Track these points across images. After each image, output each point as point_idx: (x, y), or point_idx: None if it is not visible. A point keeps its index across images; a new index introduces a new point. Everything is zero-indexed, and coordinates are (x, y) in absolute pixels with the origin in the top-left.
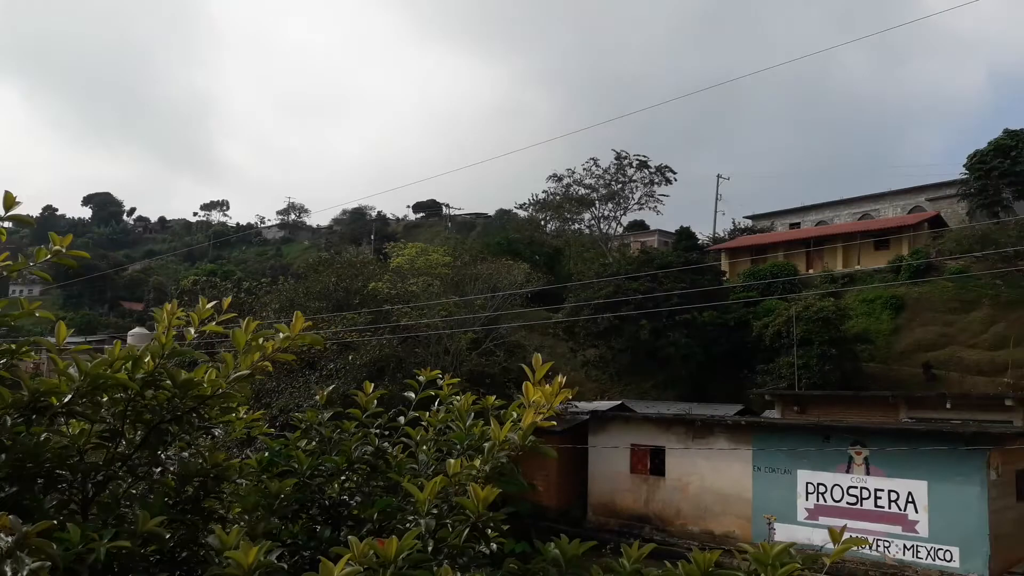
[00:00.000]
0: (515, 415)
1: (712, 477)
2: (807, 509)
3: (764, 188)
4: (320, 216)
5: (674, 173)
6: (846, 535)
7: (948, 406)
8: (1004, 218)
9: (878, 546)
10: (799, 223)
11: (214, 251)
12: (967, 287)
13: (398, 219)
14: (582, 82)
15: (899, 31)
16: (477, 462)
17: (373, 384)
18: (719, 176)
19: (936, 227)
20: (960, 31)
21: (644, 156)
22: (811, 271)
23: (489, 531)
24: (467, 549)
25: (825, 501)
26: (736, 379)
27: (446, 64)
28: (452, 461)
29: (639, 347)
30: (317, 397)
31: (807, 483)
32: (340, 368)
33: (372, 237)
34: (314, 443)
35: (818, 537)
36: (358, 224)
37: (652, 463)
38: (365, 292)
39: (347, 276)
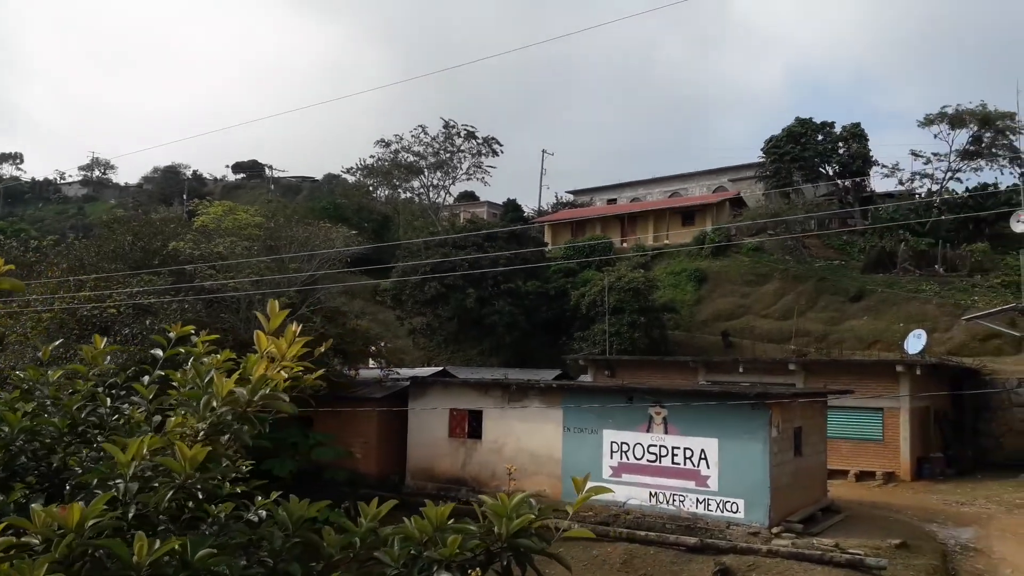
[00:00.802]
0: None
1: (526, 439)
2: (611, 467)
3: (587, 164)
4: (129, 174)
5: (500, 145)
6: (647, 491)
7: (741, 370)
8: (794, 199)
9: (674, 500)
10: (616, 199)
11: (5, 208)
12: (761, 262)
13: (216, 179)
14: (417, 52)
15: (710, 24)
16: (193, 420)
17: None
18: (544, 151)
19: (737, 206)
20: (761, 28)
21: (472, 126)
22: (625, 244)
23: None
24: (174, 514)
25: (628, 459)
26: (556, 346)
27: (277, 23)
28: (171, 420)
29: (465, 315)
30: (40, 354)
31: (612, 442)
32: (136, 333)
33: (185, 197)
34: (33, 404)
35: (621, 494)
36: (171, 183)
37: (470, 427)
38: (165, 253)
39: (145, 235)
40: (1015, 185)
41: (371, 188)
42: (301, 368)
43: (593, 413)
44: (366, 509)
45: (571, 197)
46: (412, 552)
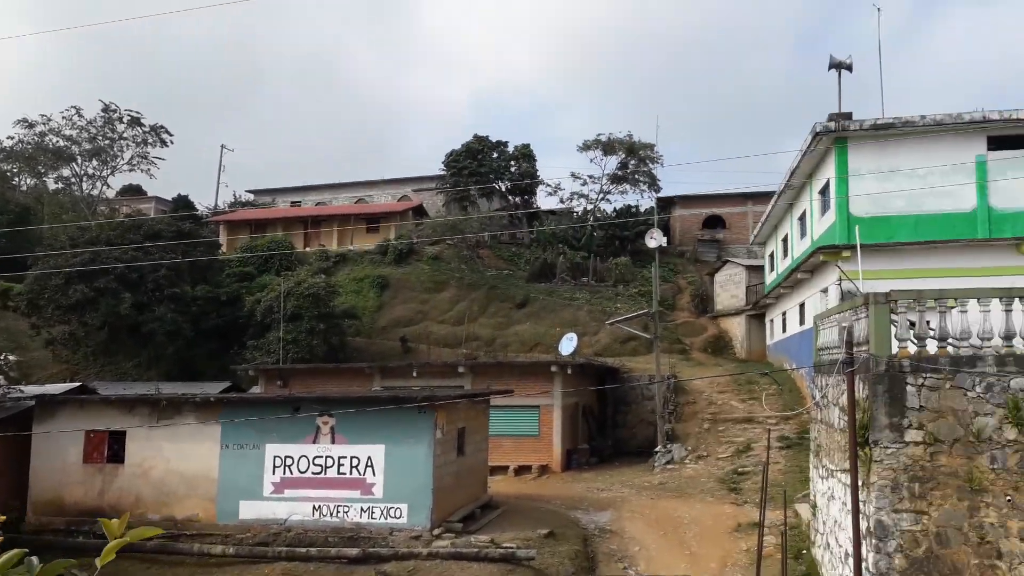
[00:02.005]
0: None
1: (178, 459)
2: (273, 483)
3: (274, 165)
4: None
5: (170, 135)
6: (310, 505)
7: (415, 374)
8: (471, 212)
9: (339, 512)
10: (300, 202)
11: None
12: (440, 270)
13: None
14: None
15: (400, 40)
16: None
17: None
18: (223, 146)
19: (419, 215)
20: (449, 51)
21: (137, 112)
22: (308, 248)
23: None
24: None
25: (291, 473)
26: (227, 356)
27: None
28: None
29: (119, 322)
30: None
31: (275, 457)
32: None
33: None
34: None
35: (283, 510)
36: None
37: (110, 449)
38: None
39: None
40: (652, 208)
41: (10, 174)
42: None
43: (255, 427)
44: None
45: (251, 197)
46: None
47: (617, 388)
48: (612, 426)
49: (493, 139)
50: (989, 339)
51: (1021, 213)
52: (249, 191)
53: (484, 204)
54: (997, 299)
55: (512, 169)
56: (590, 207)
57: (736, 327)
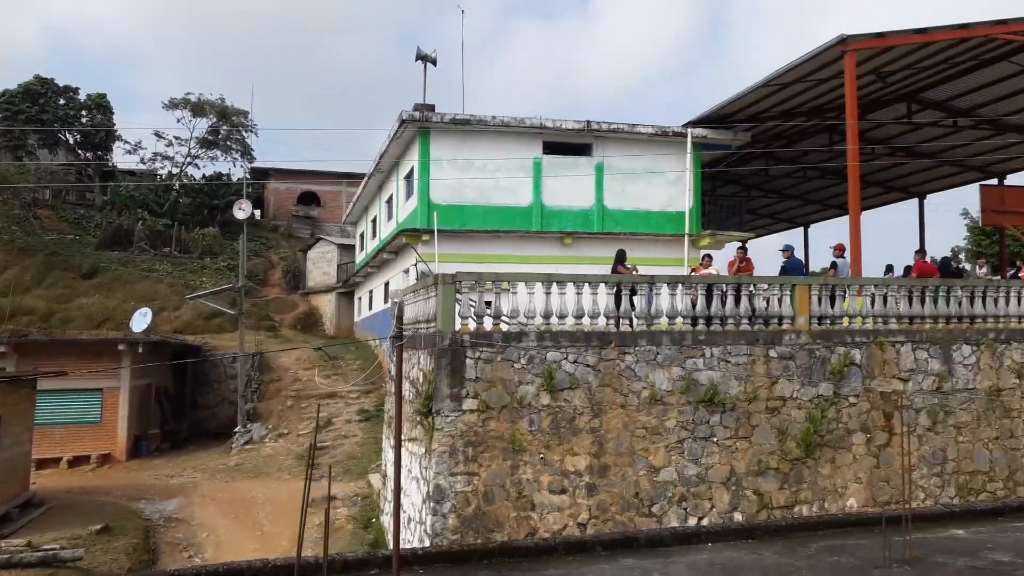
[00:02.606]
0: None
1: None
2: None
3: None
4: None
5: None
6: None
7: None
8: (28, 162)
9: None
10: None
11: None
12: None
13: None
14: None
15: None
16: None
17: None
18: None
19: None
20: None
21: None
22: None
23: None
24: None
25: None
26: None
27: None
28: None
29: None
30: None
31: None
32: None
33: None
34: None
35: None
36: None
37: None
38: None
39: None
40: (244, 178)
41: None
42: None
43: None
44: None
45: None
46: None
47: (199, 367)
48: (192, 407)
49: (61, 83)
50: (533, 318)
51: (565, 211)
52: None
53: (46, 156)
54: (540, 283)
55: (84, 120)
56: (176, 171)
57: (327, 304)
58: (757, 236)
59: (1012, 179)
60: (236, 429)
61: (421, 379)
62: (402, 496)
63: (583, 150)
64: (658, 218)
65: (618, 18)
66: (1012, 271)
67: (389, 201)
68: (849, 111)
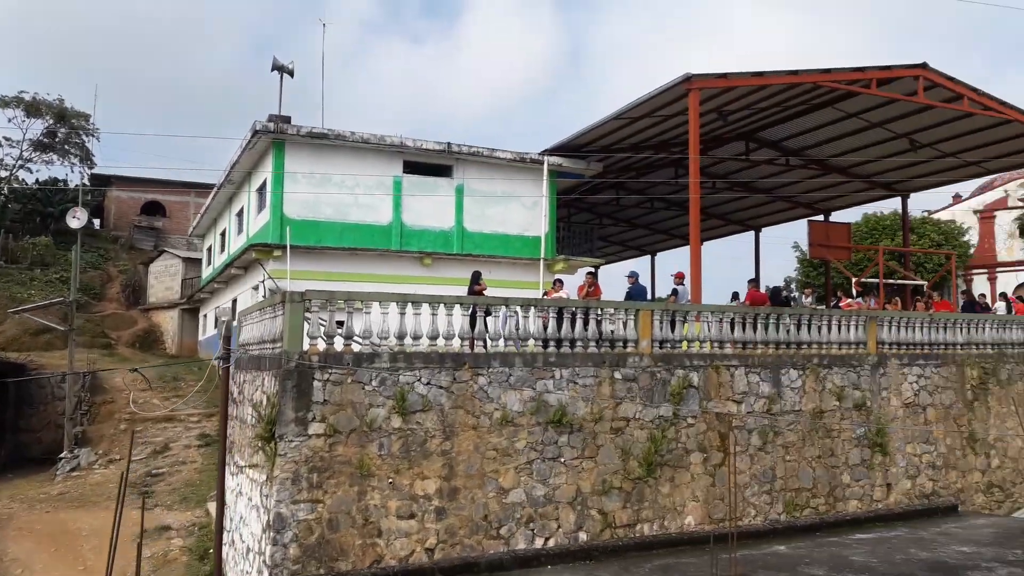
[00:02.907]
0: None
1: None
2: None
3: None
4: None
5: None
6: None
7: None
8: None
9: None
10: None
11: None
12: None
13: None
14: None
15: None
16: None
17: None
18: None
19: None
20: None
21: None
22: None
23: None
24: None
25: None
26: None
27: None
28: None
29: None
30: None
31: None
32: None
33: None
34: None
35: None
36: None
37: None
38: None
39: None
40: (82, 184)
41: None
42: None
43: None
44: None
45: None
46: None
47: (23, 388)
48: (13, 431)
49: None
50: (386, 338)
51: (425, 231)
52: None
53: None
54: (395, 303)
55: None
56: (5, 174)
57: (169, 321)
58: (608, 263)
59: (836, 216)
60: (62, 455)
61: (264, 402)
62: (241, 525)
63: (444, 171)
64: (516, 242)
65: (484, 44)
66: (835, 301)
67: (240, 214)
68: (692, 146)
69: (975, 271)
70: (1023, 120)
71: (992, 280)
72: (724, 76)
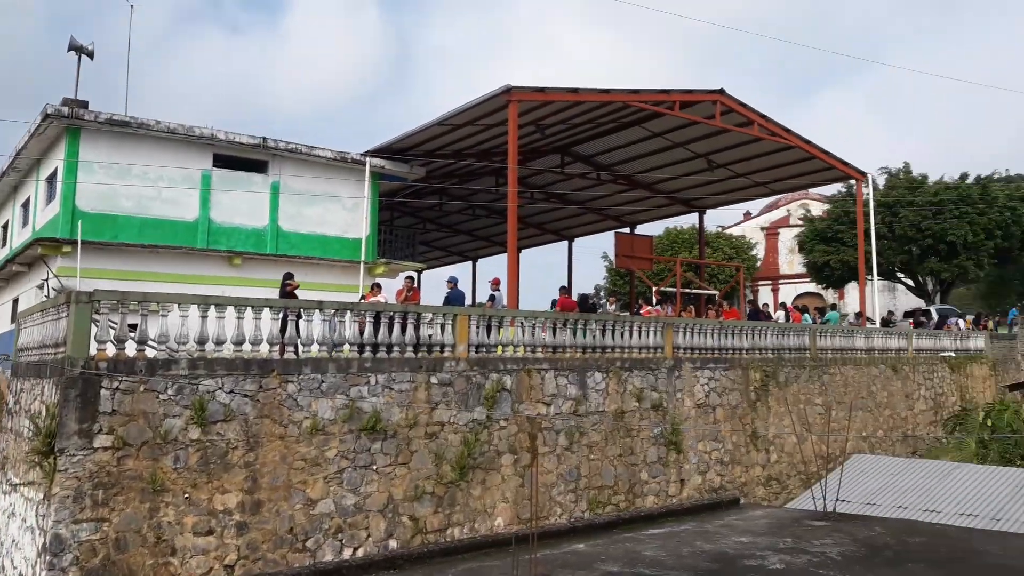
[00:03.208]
0: None
1: None
2: None
3: None
4: None
5: None
6: None
7: None
8: None
9: None
10: None
11: None
12: None
13: None
14: None
15: None
16: None
17: None
18: None
19: None
20: None
21: None
22: None
23: None
24: None
25: None
26: None
27: None
28: None
29: None
30: None
31: None
32: None
33: None
34: None
35: None
36: None
37: None
38: None
39: None
40: None
41: None
42: None
43: None
44: None
45: None
46: None
47: None
48: None
49: None
50: (185, 343)
51: (235, 228)
52: None
53: None
54: (195, 305)
55: None
56: None
57: None
58: (430, 267)
59: (641, 229)
60: None
61: (43, 413)
62: (13, 550)
63: (258, 167)
64: (335, 243)
65: (309, 42)
66: (638, 308)
67: (26, 205)
68: (511, 156)
69: (761, 282)
70: (803, 146)
71: (775, 291)
72: (542, 90)
